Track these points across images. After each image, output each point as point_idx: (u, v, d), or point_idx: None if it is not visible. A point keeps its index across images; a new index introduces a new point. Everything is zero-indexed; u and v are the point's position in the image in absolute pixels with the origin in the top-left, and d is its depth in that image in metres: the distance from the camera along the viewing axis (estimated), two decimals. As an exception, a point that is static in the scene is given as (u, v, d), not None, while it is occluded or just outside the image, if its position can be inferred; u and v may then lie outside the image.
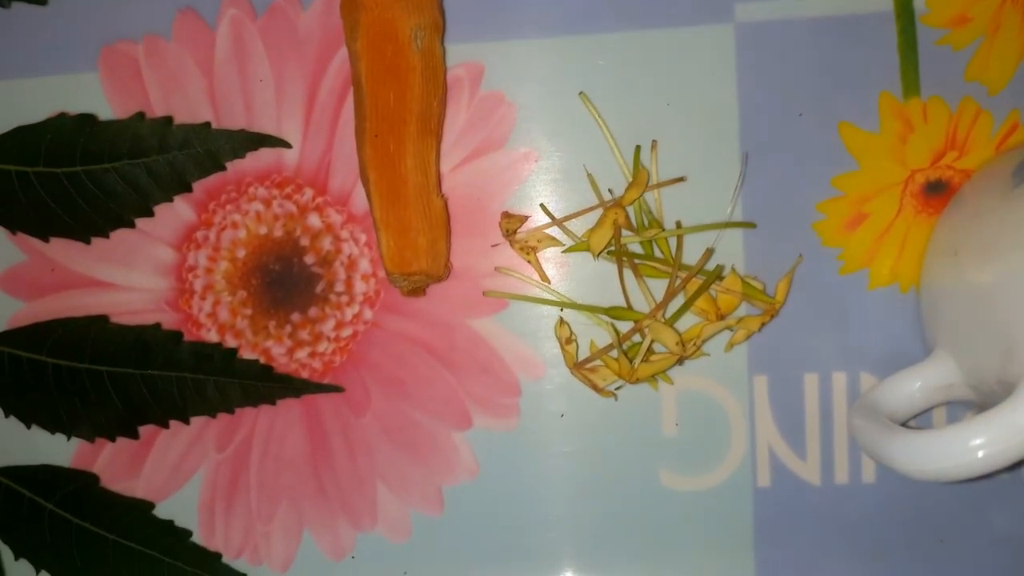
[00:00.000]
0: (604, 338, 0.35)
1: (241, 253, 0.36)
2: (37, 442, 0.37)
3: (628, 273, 0.34)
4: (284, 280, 0.36)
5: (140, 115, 0.35)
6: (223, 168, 0.35)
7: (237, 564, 0.37)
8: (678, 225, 0.35)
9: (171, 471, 0.37)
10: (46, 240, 0.36)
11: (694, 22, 0.35)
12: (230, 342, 0.36)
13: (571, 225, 0.35)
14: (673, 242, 0.35)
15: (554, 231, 0.35)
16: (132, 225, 0.36)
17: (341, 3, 0.33)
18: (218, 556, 0.37)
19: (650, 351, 0.34)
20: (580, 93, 0.35)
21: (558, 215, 0.35)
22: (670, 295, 0.34)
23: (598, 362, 0.35)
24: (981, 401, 0.31)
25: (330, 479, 0.37)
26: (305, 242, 0.36)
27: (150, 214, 0.35)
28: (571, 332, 0.35)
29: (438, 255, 0.33)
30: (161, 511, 0.37)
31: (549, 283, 0.35)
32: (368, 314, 0.36)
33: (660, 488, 0.36)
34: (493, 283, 0.36)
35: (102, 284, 0.36)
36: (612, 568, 0.37)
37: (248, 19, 0.35)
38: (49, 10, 0.35)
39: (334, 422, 0.36)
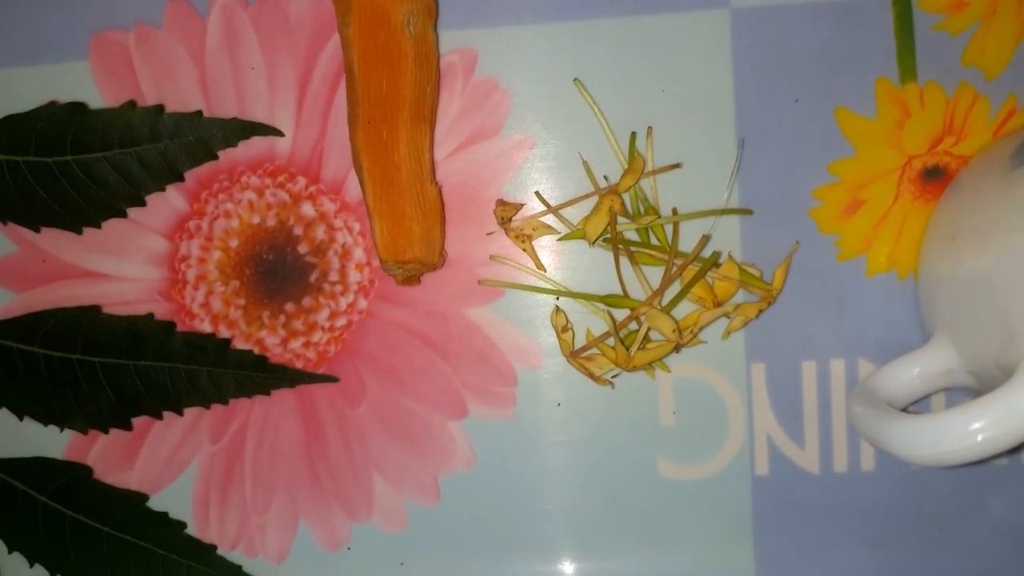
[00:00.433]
0: (600, 326, 0.35)
1: (234, 243, 0.36)
2: (30, 434, 0.37)
3: (624, 261, 0.34)
4: (278, 270, 0.36)
5: (131, 104, 0.35)
6: (215, 157, 0.35)
7: (232, 556, 0.37)
8: (674, 212, 0.35)
9: (165, 463, 0.37)
10: (37, 230, 0.36)
11: (689, 7, 0.34)
12: (223, 332, 0.36)
13: (567, 213, 0.35)
14: (669, 229, 0.34)
15: (549, 219, 0.35)
16: (124, 215, 0.35)
17: (333, -11, 0.33)
18: (213, 548, 0.37)
19: (647, 339, 0.34)
20: (575, 80, 0.35)
21: (553, 203, 0.35)
22: (666, 282, 0.34)
23: (595, 350, 0.34)
24: (980, 386, 0.30)
25: (325, 470, 0.36)
26: (298, 231, 0.35)
27: (142, 204, 0.35)
28: (567, 320, 0.35)
29: (432, 243, 0.33)
30: (155, 503, 0.37)
31: (545, 271, 0.35)
32: (363, 303, 0.36)
33: (658, 477, 0.36)
34: (488, 271, 0.35)
35: (94, 274, 0.36)
36: (609, 558, 0.37)
37: (240, 6, 0.35)
38: (39, -2, 0.35)
39: (329, 412, 0.36)
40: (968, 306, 0.30)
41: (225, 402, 0.36)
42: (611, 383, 0.35)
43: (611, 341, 0.34)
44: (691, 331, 0.34)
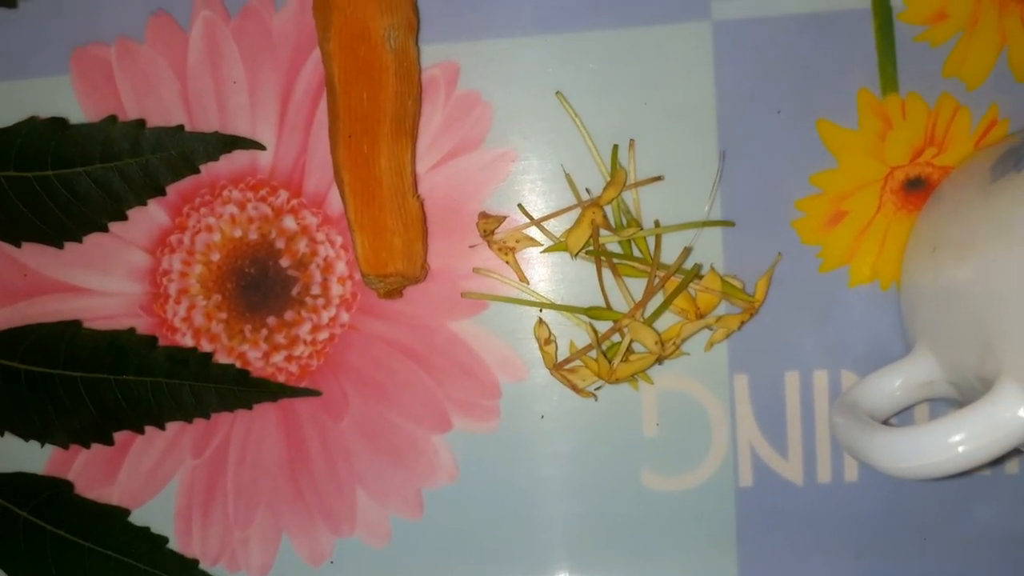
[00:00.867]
0: (584, 339, 0.35)
1: (216, 256, 0.35)
2: (10, 449, 0.36)
3: (607, 273, 0.34)
4: (259, 283, 0.35)
5: (112, 118, 0.34)
6: (197, 171, 0.35)
7: (214, 571, 0.37)
8: (656, 224, 0.35)
9: (147, 477, 0.36)
10: (18, 245, 0.35)
11: (671, 20, 0.34)
12: (205, 346, 0.36)
13: (549, 225, 0.35)
14: (651, 241, 0.34)
15: (532, 231, 0.35)
16: (105, 229, 0.35)
17: (314, 3, 0.33)
18: (195, 563, 0.36)
19: (629, 351, 0.34)
20: (557, 93, 0.35)
21: (536, 215, 0.35)
22: (649, 294, 0.34)
23: (578, 363, 0.34)
24: (962, 397, 0.30)
25: (308, 484, 0.36)
26: (280, 245, 0.35)
27: (123, 218, 0.35)
28: (550, 333, 0.35)
29: (414, 256, 0.33)
30: (137, 518, 0.36)
31: (528, 284, 0.35)
32: (345, 317, 0.36)
33: (642, 489, 0.36)
34: (471, 284, 0.35)
35: (75, 289, 0.36)
36: (595, 570, 0.36)
37: (221, 21, 0.35)
38: (19, 13, 0.35)
39: (311, 426, 0.36)
40: (948, 317, 0.30)
41: (207, 416, 0.36)
42: (594, 395, 0.35)
43: (594, 353, 0.34)
44: (674, 343, 0.34)
